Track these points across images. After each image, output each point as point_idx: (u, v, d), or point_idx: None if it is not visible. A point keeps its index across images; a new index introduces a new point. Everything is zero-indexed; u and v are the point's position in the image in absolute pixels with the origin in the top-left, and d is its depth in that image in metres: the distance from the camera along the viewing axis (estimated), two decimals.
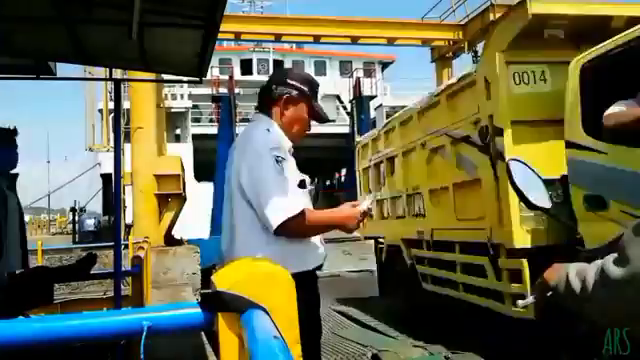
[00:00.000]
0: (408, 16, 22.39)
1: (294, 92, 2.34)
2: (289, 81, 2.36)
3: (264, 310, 1.20)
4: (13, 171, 3.01)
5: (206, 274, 9.22)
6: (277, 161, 2.09)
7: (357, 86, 21.07)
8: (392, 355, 5.08)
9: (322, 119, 2.43)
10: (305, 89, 2.36)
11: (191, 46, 3.20)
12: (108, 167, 20.72)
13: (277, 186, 2.07)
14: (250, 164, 2.13)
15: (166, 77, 10.91)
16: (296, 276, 1.35)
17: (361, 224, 2.28)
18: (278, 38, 15.74)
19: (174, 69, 4.27)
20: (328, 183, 34.57)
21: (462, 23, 15.72)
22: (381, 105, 24.25)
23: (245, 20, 15.75)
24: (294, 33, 15.62)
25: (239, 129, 19.19)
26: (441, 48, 16.79)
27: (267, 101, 2.37)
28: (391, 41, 15.86)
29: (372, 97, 21.98)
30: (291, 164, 2.21)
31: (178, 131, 24.22)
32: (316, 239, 2.28)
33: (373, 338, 5.83)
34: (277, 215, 2.05)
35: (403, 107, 23.85)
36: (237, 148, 2.25)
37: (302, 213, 2.09)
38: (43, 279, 2.99)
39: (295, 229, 2.10)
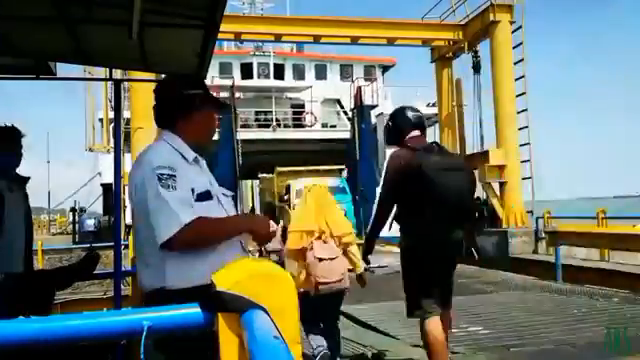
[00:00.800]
0: (408, 16, 22.34)
1: (188, 101, 2.30)
2: (183, 91, 2.32)
3: (264, 310, 1.20)
4: (24, 174, 3.00)
5: None
6: (160, 179, 2.06)
7: (358, 95, 21.08)
8: (392, 355, 5.08)
9: (221, 105, 2.46)
10: (194, 93, 2.32)
11: (191, 46, 3.20)
12: (108, 177, 20.77)
13: (160, 204, 2.04)
14: (136, 185, 2.14)
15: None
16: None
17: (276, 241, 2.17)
18: (278, 38, 15.73)
19: (174, 69, 4.26)
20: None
21: (462, 23, 15.71)
22: (382, 113, 24.31)
23: (245, 20, 15.75)
24: (294, 33, 15.61)
25: (240, 135, 19.23)
26: (441, 48, 16.77)
27: (167, 115, 2.34)
28: (391, 41, 15.84)
29: (373, 106, 22.05)
30: (186, 176, 2.15)
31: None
32: (232, 250, 2.18)
33: (373, 338, 5.82)
34: (163, 233, 2.02)
35: None
36: (132, 167, 2.25)
37: (190, 225, 2.01)
38: (43, 283, 2.96)
39: (186, 242, 2.04)
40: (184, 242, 2.04)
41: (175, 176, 2.09)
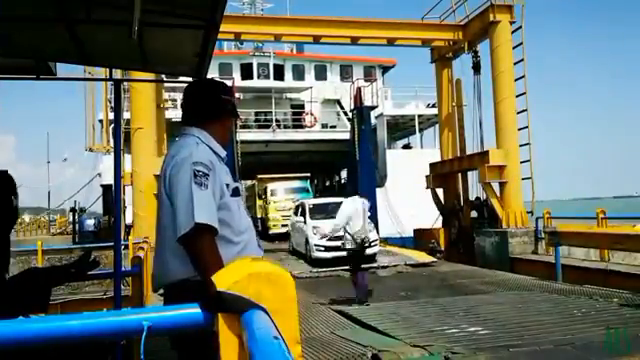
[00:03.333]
0: (408, 16, 22.30)
1: (224, 106, 2.44)
2: (223, 96, 2.45)
3: (264, 310, 1.20)
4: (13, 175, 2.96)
5: None
6: (195, 175, 2.12)
7: (358, 95, 21.06)
8: (392, 355, 5.08)
9: (238, 116, 2.62)
10: (228, 99, 2.46)
11: (191, 46, 3.20)
12: (108, 178, 20.80)
13: (187, 200, 2.09)
14: (172, 177, 2.20)
15: (166, 78, 10.91)
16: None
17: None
18: (278, 39, 15.73)
19: (174, 69, 4.27)
20: (328, 184, 34.82)
21: (462, 23, 15.72)
22: (382, 114, 24.32)
23: (245, 21, 15.75)
24: (294, 34, 15.61)
25: (239, 136, 19.24)
26: (441, 49, 16.78)
27: (204, 114, 2.41)
28: (391, 41, 15.85)
29: (373, 107, 22.03)
30: (221, 173, 2.26)
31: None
32: (252, 245, 2.27)
33: (373, 338, 5.83)
34: (182, 228, 2.07)
35: (403, 116, 24.79)
36: (166, 159, 2.31)
37: (201, 228, 2.06)
38: (38, 283, 2.93)
39: (192, 243, 2.08)
40: (191, 243, 2.08)
41: (209, 175, 2.15)
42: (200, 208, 2.07)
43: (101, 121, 24.40)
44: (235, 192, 2.29)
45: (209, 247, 2.07)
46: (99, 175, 23.21)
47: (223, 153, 2.38)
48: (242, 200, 2.51)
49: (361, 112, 20.73)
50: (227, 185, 2.25)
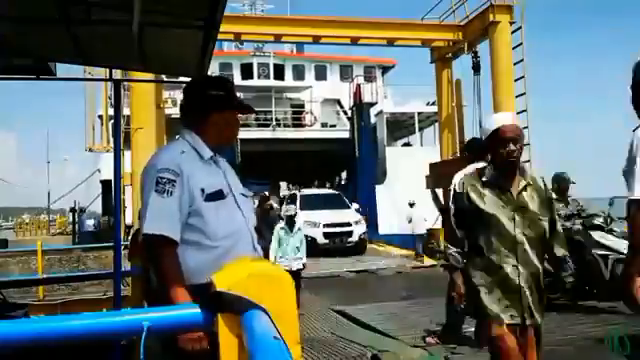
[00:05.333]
0: (408, 17, 22.30)
1: (208, 102, 2.31)
2: (204, 92, 2.33)
3: (264, 311, 1.20)
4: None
5: None
6: (158, 182, 2.11)
7: (357, 93, 21.03)
8: (392, 355, 5.08)
9: (245, 108, 2.47)
10: (215, 94, 2.32)
11: (191, 46, 3.21)
12: (108, 174, 20.78)
13: (145, 207, 2.12)
14: (143, 181, 2.23)
15: (166, 78, 10.91)
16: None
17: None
18: (278, 39, 15.73)
19: (174, 69, 4.27)
20: (328, 186, 34.77)
21: (462, 24, 15.71)
22: (381, 112, 24.29)
23: (245, 21, 15.74)
24: (294, 34, 15.61)
25: (239, 134, 19.22)
26: (441, 49, 16.77)
27: (190, 115, 2.36)
28: (391, 42, 15.85)
29: (372, 104, 21.94)
30: (201, 177, 2.19)
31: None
32: (239, 249, 2.19)
33: (373, 338, 5.83)
34: (143, 235, 2.10)
35: (403, 114, 24.40)
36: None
37: (151, 238, 2.06)
38: None
39: (148, 251, 2.11)
40: (146, 251, 2.12)
41: (175, 181, 2.12)
42: (152, 217, 2.07)
43: (101, 117, 24.32)
44: (212, 196, 2.18)
45: (160, 256, 2.06)
46: (99, 171, 23.12)
47: (207, 155, 2.26)
48: (249, 201, 2.41)
49: (361, 109, 20.68)
50: (202, 190, 2.16)
